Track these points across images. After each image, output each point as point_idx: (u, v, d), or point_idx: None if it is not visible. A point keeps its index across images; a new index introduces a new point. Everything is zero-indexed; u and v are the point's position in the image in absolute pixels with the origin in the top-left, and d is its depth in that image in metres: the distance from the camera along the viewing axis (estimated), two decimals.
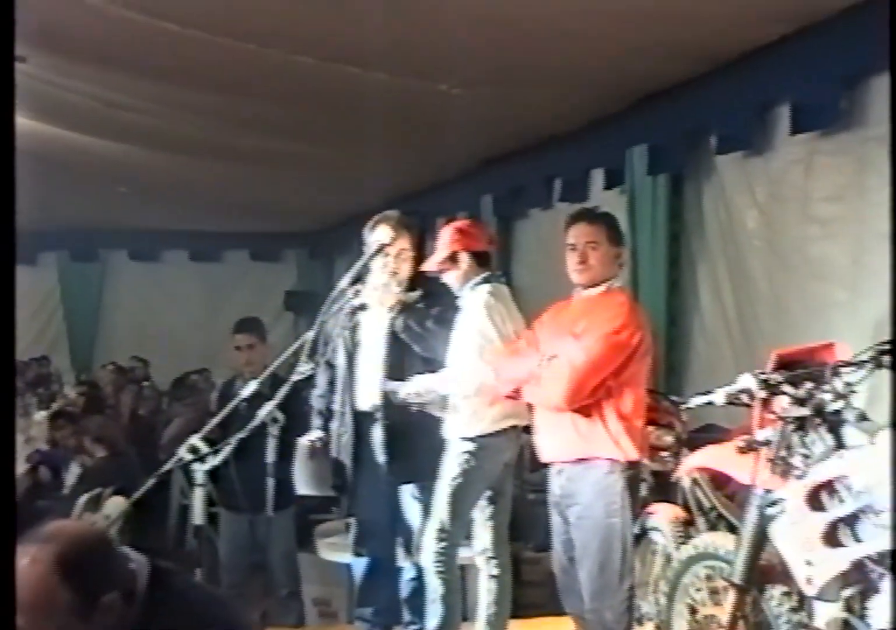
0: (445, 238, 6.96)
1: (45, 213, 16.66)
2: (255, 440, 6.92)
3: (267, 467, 7.05)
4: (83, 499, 10.37)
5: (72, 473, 11.99)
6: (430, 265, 7.00)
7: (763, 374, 5.39)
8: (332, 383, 7.40)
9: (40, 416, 15.47)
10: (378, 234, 7.09)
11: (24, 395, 17.17)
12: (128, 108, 10.42)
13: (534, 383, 6.10)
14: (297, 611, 9.27)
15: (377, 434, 7.19)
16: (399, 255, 7.16)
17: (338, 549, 8.68)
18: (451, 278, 6.94)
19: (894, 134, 3.60)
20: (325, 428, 7.42)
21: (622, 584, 6.02)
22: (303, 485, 7.42)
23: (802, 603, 5.32)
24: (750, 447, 5.41)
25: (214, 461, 5.94)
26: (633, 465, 6.03)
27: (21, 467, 12.77)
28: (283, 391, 6.69)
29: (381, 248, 7.06)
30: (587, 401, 5.94)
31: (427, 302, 7.19)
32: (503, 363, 6.40)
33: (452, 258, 6.90)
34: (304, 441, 7.34)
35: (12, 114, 2.55)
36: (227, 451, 6.19)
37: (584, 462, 6.02)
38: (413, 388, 6.83)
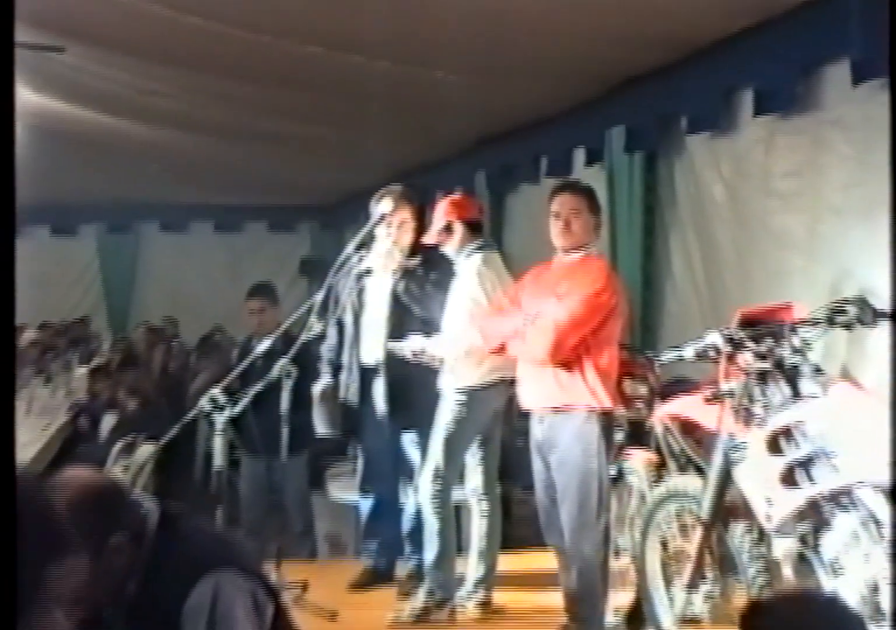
0: (441, 210, 7.00)
1: (84, 189, 16.68)
2: (271, 392, 6.92)
3: (281, 417, 7.02)
4: (118, 445, 10.36)
5: (107, 422, 11.98)
6: (429, 237, 7.02)
7: (728, 331, 5.38)
8: (340, 339, 7.40)
9: (80, 371, 15.47)
10: (382, 205, 7.08)
11: (66, 352, 17.21)
12: (157, 94, 10.38)
13: (519, 339, 6.07)
14: (310, 545, 9.29)
15: (380, 386, 7.20)
16: (401, 225, 7.16)
17: (346, 490, 8.70)
18: (448, 248, 6.96)
19: (894, 133, 3.53)
20: (335, 376, 7.42)
21: (599, 521, 6.01)
22: (320, 426, 7.45)
23: (762, 537, 5.32)
24: (716, 397, 5.40)
25: (233, 411, 5.93)
26: (607, 413, 6.01)
27: (64, 417, 12.79)
28: (296, 347, 6.68)
29: (383, 218, 7.05)
30: (568, 356, 5.91)
31: (426, 267, 7.19)
32: (489, 321, 6.40)
33: (448, 228, 6.92)
34: (317, 387, 7.36)
35: (12, 112, 2.49)
36: (244, 401, 6.18)
37: (564, 411, 6.00)
38: (410, 348, 6.84)
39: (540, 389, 6.09)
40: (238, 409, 6.01)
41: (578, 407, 5.96)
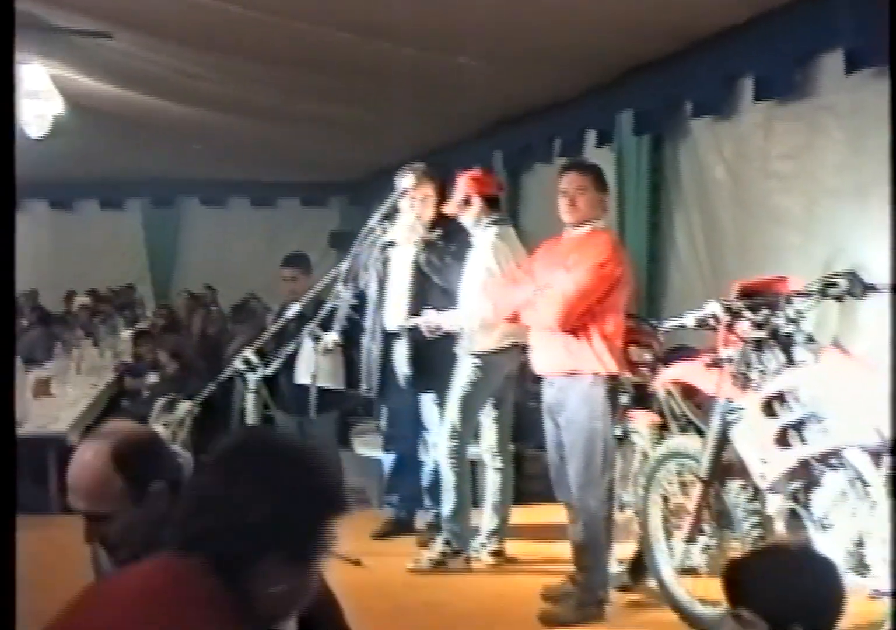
0: (462, 184, 6.98)
1: (130, 167, 16.70)
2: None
3: (311, 377, 7.03)
4: (160, 403, 10.38)
5: (150, 382, 12.02)
6: (450, 208, 7.01)
7: (727, 302, 5.37)
8: (360, 304, 7.37)
9: (126, 334, 15.51)
10: (405, 181, 7.06)
11: (113, 316, 17.26)
12: (200, 78, 10.37)
13: (530, 308, 6.06)
14: None
15: (401, 350, 7.20)
16: (423, 200, 7.16)
17: (370, 447, 8.71)
18: (466, 219, 6.96)
19: (894, 120, 3.49)
20: (346, 334, 7.43)
21: (603, 477, 5.99)
22: (302, 375, 7.40)
23: (756, 494, 5.33)
24: (715, 363, 5.41)
25: (265, 371, 5.93)
26: (613, 378, 5.98)
27: (110, 376, 12.84)
28: (323, 313, 6.68)
29: (405, 193, 7.04)
30: (576, 323, 5.89)
31: (446, 240, 7.19)
32: (503, 291, 6.38)
33: (467, 201, 6.90)
34: (322, 340, 7.28)
35: (13, 108, 2.48)
36: (276, 362, 6.18)
37: (572, 375, 5.97)
38: (426, 323, 6.83)
39: (550, 355, 6.06)
40: (270, 369, 6.01)
41: (585, 371, 5.93)
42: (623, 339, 6.07)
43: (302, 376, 7.47)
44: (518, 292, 6.19)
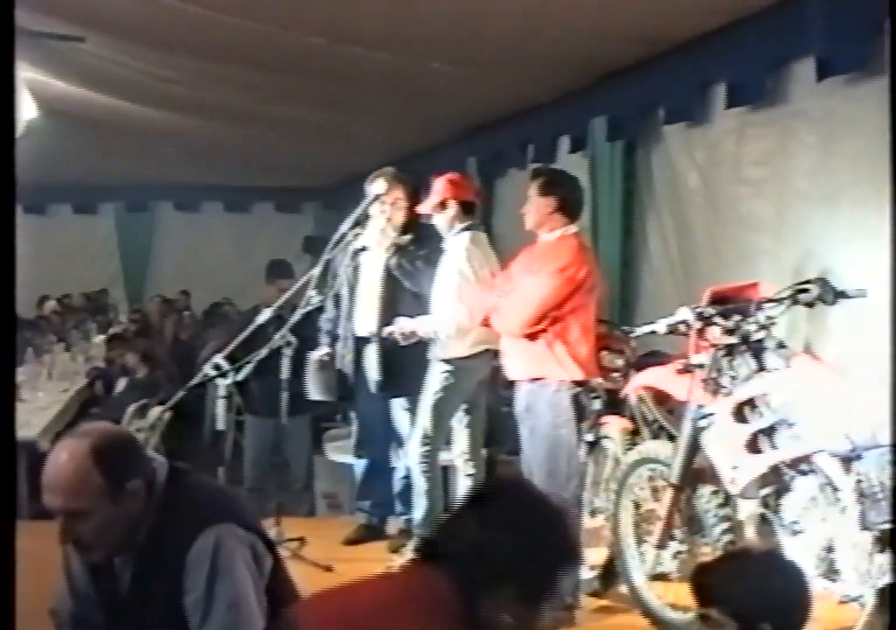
0: (438, 187, 6.96)
1: (103, 171, 16.65)
2: (274, 359, 6.93)
3: (282, 382, 7.04)
4: (131, 408, 10.35)
5: (122, 387, 11.98)
6: (424, 208, 7.00)
7: (698, 308, 5.38)
8: (338, 311, 7.38)
9: (99, 339, 15.46)
10: (376, 186, 7.06)
11: (85, 321, 17.21)
12: (173, 82, 10.33)
13: (496, 313, 6.06)
14: (309, 502, 9.31)
15: (373, 356, 7.18)
16: (394, 204, 7.14)
17: (342, 452, 8.68)
18: (439, 222, 6.94)
19: (894, 132, 3.50)
20: (332, 346, 7.40)
21: (569, 485, 5.95)
22: (314, 392, 7.44)
23: (727, 500, 5.34)
24: (686, 369, 5.42)
25: (235, 377, 5.92)
26: (578, 384, 5.97)
27: (82, 381, 12.79)
28: (295, 318, 6.67)
29: (377, 197, 7.03)
30: (536, 328, 5.88)
31: (417, 245, 7.18)
32: (475, 296, 6.38)
33: (442, 204, 6.89)
34: (314, 355, 7.35)
35: (13, 107, 2.47)
36: (248, 368, 6.17)
37: (539, 381, 5.96)
38: (400, 330, 6.80)
39: (518, 361, 6.06)
40: (241, 375, 6.01)
41: (550, 378, 5.92)
42: (594, 345, 6.07)
43: (314, 393, 7.48)
44: (489, 297, 6.19)
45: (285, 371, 6.98)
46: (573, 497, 5.99)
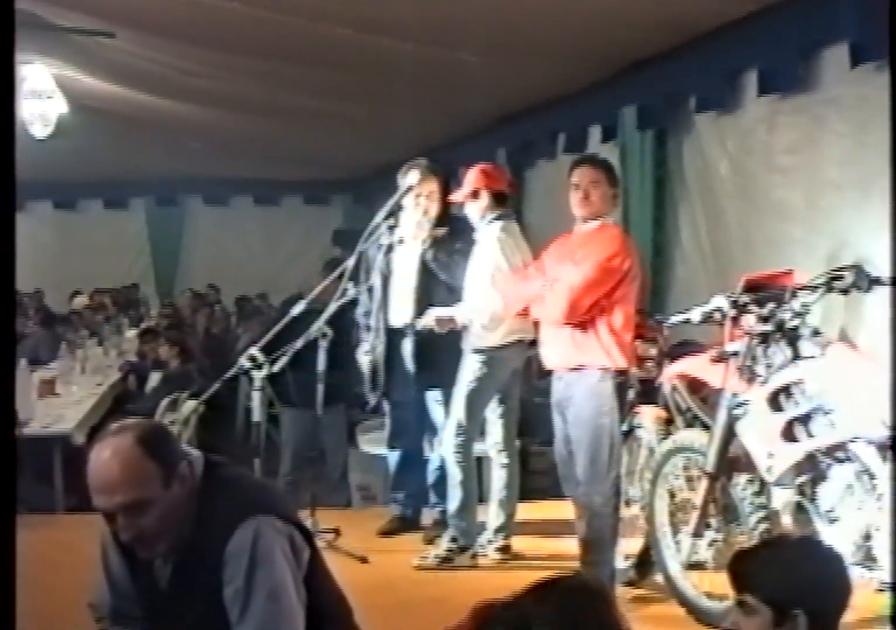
0: (472, 177, 6.98)
1: (133, 166, 16.72)
2: (310, 351, 6.95)
3: (318, 374, 7.06)
4: (164, 401, 10.39)
5: (154, 380, 12.03)
6: (457, 196, 7.02)
7: (733, 296, 5.36)
8: (371, 303, 7.38)
9: (131, 333, 15.53)
10: (410, 177, 7.05)
11: (117, 315, 17.28)
12: (202, 76, 10.37)
13: (539, 302, 6.05)
14: (345, 494, 9.34)
15: (407, 347, 7.18)
16: (428, 196, 7.13)
17: (376, 444, 8.71)
18: (472, 211, 6.96)
19: (894, 133, 3.48)
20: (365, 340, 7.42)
21: (609, 473, 5.95)
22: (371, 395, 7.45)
23: (763, 488, 5.32)
24: (721, 358, 5.41)
25: (272, 368, 5.93)
26: (621, 373, 5.95)
27: (115, 375, 12.83)
28: (331, 310, 6.67)
29: (410, 189, 7.03)
30: (583, 317, 5.87)
31: (452, 237, 7.16)
32: (515, 286, 6.37)
33: (475, 194, 6.90)
34: (361, 354, 7.41)
35: (13, 108, 2.48)
36: (283, 360, 6.17)
37: (580, 370, 5.94)
38: (437, 318, 6.80)
39: (559, 350, 6.04)
40: (276, 366, 6.01)
41: (593, 366, 5.91)
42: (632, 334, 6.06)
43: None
44: (528, 286, 6.18)
45: (321, 363, 7.00)
46: (613, 485, 5.98)
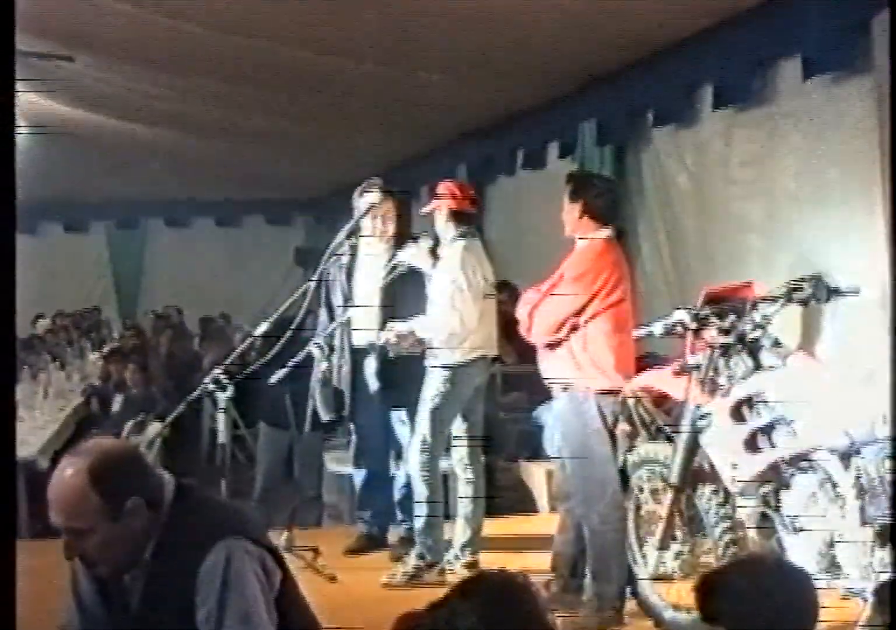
0: (436, 194, 7.02)
1: (93, 188, 16.66)
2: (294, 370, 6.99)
3: (310, 390, 7.14)
4: (129, 424, 10.36)
5: (118, 404, 11.99)
6: (421, 213, 7.07)
7: (694, 309, 5.40)
8: (332, 323, 7.37)
9: (93, 356, 15.46)
10: (368, 197, 7.08)
11: (79, 339, 17.19)
12: (162, 98, 10.36)
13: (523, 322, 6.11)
14: (318, 511, 9.32)
15: (371, 366, 7.19)
16: (386, 215, 7.15)
17: (341, 463, 8.70)
18: (436, 228, 6.97)
19: (894, 133, 3.51)
20: (329, 360, 7.40)
21: (605, 490, 5.89)
22: (324, 412, 7.45)
23: (727, 499, 5.34)
24: (683, 370, 5.43)
25: (229, 393, 5.92)
26: (606, 393, 5.94)
27: (78, 399, 12.78)
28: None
29: (369, 209, 7.05)
30: (556, 336, 5.90)
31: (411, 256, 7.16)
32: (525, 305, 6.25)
33: (439, 211, 6.93)
34: (315, 373, 7.33)
35: (13, 109, 2.49)
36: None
37: (567, 388, 5.98)
38: (396, 332, 6.81)
39: (549, 367, 6.07)
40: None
41: (577, 385, 5.93)
42: (625, 353, 6.04)
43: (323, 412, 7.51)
44: (526, 304, 6.19)
45: (315, 381, 7.05)
46: (611, 502, 5.94)
